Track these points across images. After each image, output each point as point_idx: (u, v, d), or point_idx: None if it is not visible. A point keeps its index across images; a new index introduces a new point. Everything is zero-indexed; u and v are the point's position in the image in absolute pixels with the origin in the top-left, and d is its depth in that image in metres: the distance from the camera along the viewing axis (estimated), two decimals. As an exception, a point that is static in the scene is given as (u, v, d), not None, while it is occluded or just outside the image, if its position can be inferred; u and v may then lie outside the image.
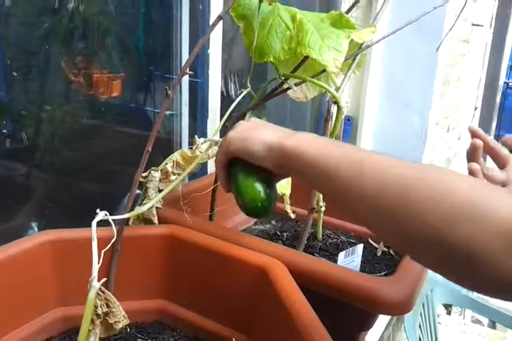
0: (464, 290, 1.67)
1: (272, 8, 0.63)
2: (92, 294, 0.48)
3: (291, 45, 0.61)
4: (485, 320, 2.74)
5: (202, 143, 0.71)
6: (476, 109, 3.21)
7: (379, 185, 0.36)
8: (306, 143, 0.44)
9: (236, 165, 0.51)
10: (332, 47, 0.59)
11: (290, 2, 1.30)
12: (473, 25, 2.20)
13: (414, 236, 0.34)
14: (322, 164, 0.41)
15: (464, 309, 2.68)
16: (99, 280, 0.49)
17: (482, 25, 2.36)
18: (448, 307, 2.79)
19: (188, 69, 0.60)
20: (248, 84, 0.69)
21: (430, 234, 0.32)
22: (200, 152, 0.71)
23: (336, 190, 0.40)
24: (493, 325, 2.64)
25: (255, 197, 0.49)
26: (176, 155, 0.72)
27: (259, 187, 0.49)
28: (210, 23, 0.96)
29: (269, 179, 0.50)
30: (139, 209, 0.58)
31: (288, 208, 0.86)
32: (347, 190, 0.39)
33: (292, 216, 0.87)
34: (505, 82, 6.34)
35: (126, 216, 0.57)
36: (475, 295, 1.63)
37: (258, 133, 0.48)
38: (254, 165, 0.48)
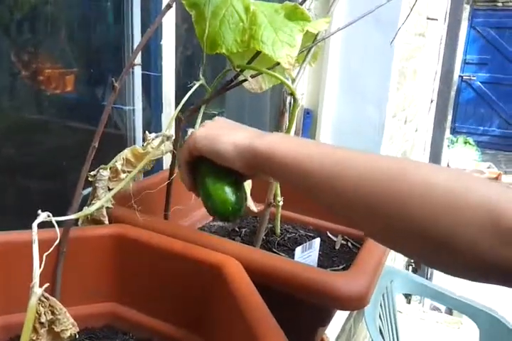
0: (422, 280, 1.72)
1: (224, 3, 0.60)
2: (33, 301, 0.45)
3: (244, 37, 0.59)
4: (442, 307, 2.83)
5: (153, 139, 0.69)
6: (432, 101, 3.29)
7: (357, 180, 0.36)
8: (277, 143, 0.43)
9: (202, 164, 0.49)
10: (285, 42, 0.57)
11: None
12: (428, 19, 2.24)
13: (396, 230, 0.35)
14: (295, 163, 0.41)
15: (423, 298, 2.76)
16: (42, 285, 0.46)
17: (437, 19, 2.42)
18: (408, 296, 2.87)
19: (136, 61, 0.58)
20: (201, 76, 0.67)
21: (412, 228, 0.33)
22: (152, 148, 0.68)
23: (311, 187, 0.40)
24: (449, 312, 2.73)
25: (226, 200, 0.47)
26: (126, 152, 0.69)
27: (229, 190, 0.47)
28: (162, 5, 0.93)
29: (238, 180, 0.49)
30: (86, 210, 0.56)
31: (250, 202, 0.81)
32: (322, 187, 0.39)
33: (255, 209, 0.83)
34: (459, 76, 6.57)
35: (71, 217, 0.54)
36: (434, 285, 1.67)
37: (227, 134, 0.47)
38: (222, 165, 0.47)
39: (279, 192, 0.75)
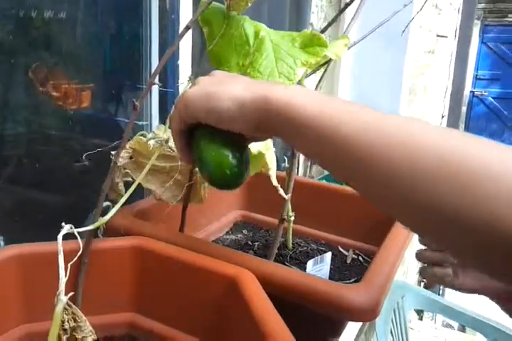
0: (435, 296, 1.71)
1: (238, 19, 0.63)
2: (59, 308, 0.48)
3: (246, 61, 0.60)
4: (455, 324, 2.79)
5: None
6: (443, 117, 3.30)
7: (409, 155, 0.28)
8: (301, 95, 0.35)
9: (198, 130, 0.42)
10: (283, 75, 0.56)
11: (262, 16, 1.32)
12: (437, 36, 2.27)
13: (431, 213, 0.28)
14: (325, 125, 0.32)
15: (435, 314, 2.73)
16: (66, 294, 0.48)
17: (446, 37, 2.44)
18: (420, 312, 2.84)
19: (156, 80, 0.60)
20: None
21: (448, 211, 0.27)
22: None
23: (338, 157, 0.32)
24: (462, 329, 2.69)
25: (222, 162, 0.41)
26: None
27: (225, 150, 0.41)
28: (180, 28, 0.97)
29: (239, 141, 0.42)
30: (102, 220, 0.58)
31: (273, 178, 0.70)
32: (356, 159, 0.31)
33: (281, 191, 0.71)
34: (471, 91, 6.58)
35: (90, 228, 0.56)
36: (446, 301, 1.66)
37: (226, 88, 0.38)
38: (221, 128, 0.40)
39: (290, 207, 0.76)
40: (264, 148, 0.69)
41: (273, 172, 0.70)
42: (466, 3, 3.08)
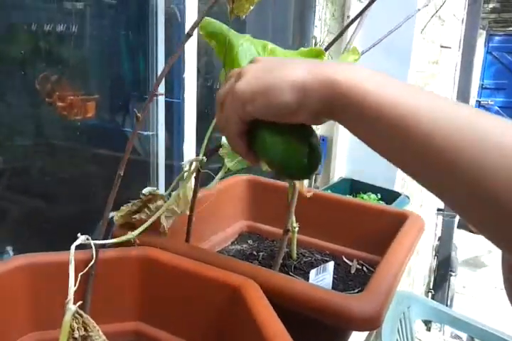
0: (442, 307, 1.70)
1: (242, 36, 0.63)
2: (68, 316, 0.49)
3: None
4: (464, 335, 2.77)
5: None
6: (448, 127, 3.30)
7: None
8: (375, 79, 0.32)
9: (255, 124, 0.38)
10: None
11: (265, 30, 1.34)
12: (441, 47, 2.29)
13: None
14: (405, 113, 0.29)
15: (443, 325, 2.71)
16: (75, 303, 0.49)
17: (450, 47, 2.46)
18: (427, 323, 2.81)
19: (158, 89, 0.60)
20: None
21: None
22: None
23: (417, 152, 0.29)
24: (471, 340, 2.66)
25: (296, 153, 0.37)
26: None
27: (294, 140, 0.38)
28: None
29: (303, 126, 0.38)
30: (129, 235, 0.59)
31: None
32: (436, 155, 0.28)
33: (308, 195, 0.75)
34: (477, 101, 6.58)
35: (113, 241, 0.57)
36: (453, 312, 1.65)
37: (283, 74, 0.34)
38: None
39: (294, 218, 0.77)
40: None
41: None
42: (470, 14, 3.10)
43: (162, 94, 1.01)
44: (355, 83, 0.32)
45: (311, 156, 0.38)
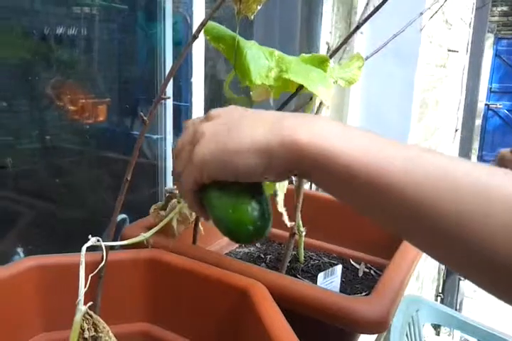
0: (451, 311, 1.69)
1: (248, 41, 0.63)
2: (78, 317, 0.49)
3: (270, 73, 0.59)
4: (473, 340, 2.74)
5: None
6: (456, 131, 3.29)
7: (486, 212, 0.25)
8: (338, 134, 0.31)
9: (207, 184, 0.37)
10: (318, 81, 0.56)
11: (272, 38, 1.35)
12: (449, 51, 2.28)
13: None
14: (374, 174, 0.29)
15: (453, 329, 2.68)
16: (85, 304, 0.50)
17: (457, 51, 2.45)
18: (437, 327, 2.79)
19: (166, 93, 0.61)
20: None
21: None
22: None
23: (385, 202, 0.29)
24: (480, 345, 2.63)
25: (242, 219, 0.36)
26: None
27: (243, 204, 0.36)
28: (193, 47, 1.00)
29: (255, 187, 0.37)
30: (141, 236, 0.60)
31: (280, 205, 0.71)
32: (415, 214, 0.28)
33: (288, 224, 0.75)
34: (486, 104, 6.55)
35: (126, 242, 0.58)
36: (462, 316, 1.64)
37: (244, 135, 0.32)
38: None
39: (300, 222, 0.77)
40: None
41: (280, 199, 0.71)
42: (478, 18, 3.10)
43: (169, 98, 1.02)
44: (320, 144, 0.30)
45: (259, 221, 0.36)
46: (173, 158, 0.40)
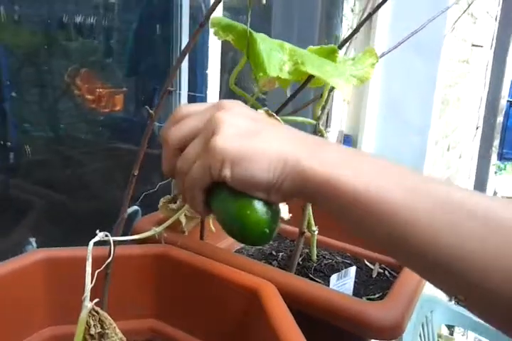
0: (464, 311, 1.66)
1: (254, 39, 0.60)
2: (83, 314, 0.48)
3: (284, 66, 0.57)
4: (487, 342, 2.70)
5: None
6: (477, 128, 3.22)
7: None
8: (342, 163, 0.31)
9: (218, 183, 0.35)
10: (336, 75, 0.53)
11: (291, 30, 1.33)
12: (473, 45, 2.22)
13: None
14: (384, 208, 0.28)
15: (467, 330, 2.65)
16: (91, 300, 0.49)
17: (482, 46, 2.39)
18: (450, 328, 2.75)
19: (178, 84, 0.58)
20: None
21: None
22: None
23: (391, 237, 0.29)
24: (494, 347, 2.59)
25: (260, 221, 0.34)
26: None
27: (260, 206, 0.34)
28: (210, 38, 0.98)
29: None
30: (151, 231, 0.58)
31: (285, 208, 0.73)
32: (422, 249, 0.28)
33: (286, 216, 0.77)
34: (508, 101, 6.39)
35: (136, 237, 0.56)
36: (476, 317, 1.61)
37: (263, 145, 0.31)
38: None
39: (312, 221, 0.75)
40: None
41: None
42: (505, 11, 3.01)
43: (174, 90, 1.00)
44: (325, 176, 0.30)
45: (274, 223, 0.36)
46: (164, 149, 0.37)
